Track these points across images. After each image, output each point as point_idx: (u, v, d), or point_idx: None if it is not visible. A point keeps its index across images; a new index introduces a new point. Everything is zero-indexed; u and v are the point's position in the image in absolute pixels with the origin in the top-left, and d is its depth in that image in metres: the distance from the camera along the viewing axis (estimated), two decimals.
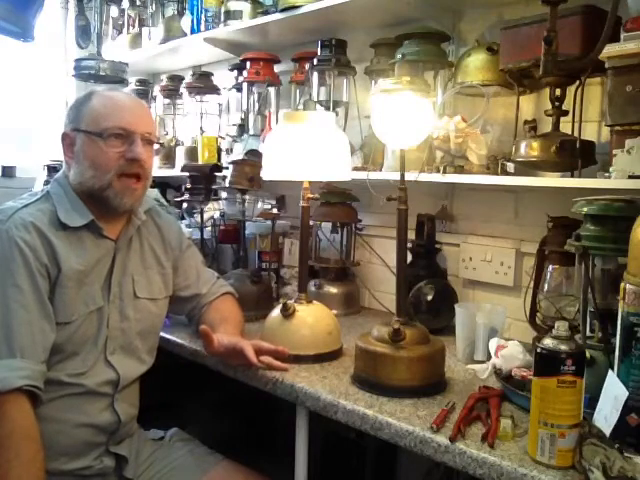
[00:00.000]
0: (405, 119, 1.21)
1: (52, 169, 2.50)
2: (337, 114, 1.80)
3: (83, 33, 2.66)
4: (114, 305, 1.28)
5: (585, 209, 1.13)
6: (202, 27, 2.22)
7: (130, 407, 1.32)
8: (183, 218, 2.17)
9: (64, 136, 1.27)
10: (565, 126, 1.41)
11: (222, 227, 2.13)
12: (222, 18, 2.13)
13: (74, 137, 1.25)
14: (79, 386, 1.21)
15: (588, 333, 1.13)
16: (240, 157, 2.01)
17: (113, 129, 1.22)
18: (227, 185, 1.83)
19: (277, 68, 2.18)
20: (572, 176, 1.37)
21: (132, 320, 1.30)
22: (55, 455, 1.17)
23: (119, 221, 1.31)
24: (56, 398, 1.18)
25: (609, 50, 1.17)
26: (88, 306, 1.23)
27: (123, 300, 1.30)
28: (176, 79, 2.56)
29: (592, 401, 0.97)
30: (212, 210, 2.12)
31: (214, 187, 2.03)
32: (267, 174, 1.43)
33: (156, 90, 2.64)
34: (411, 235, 1.67)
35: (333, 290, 1.86)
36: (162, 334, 1.46)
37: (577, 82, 1.38)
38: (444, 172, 1.53)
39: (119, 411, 1.26)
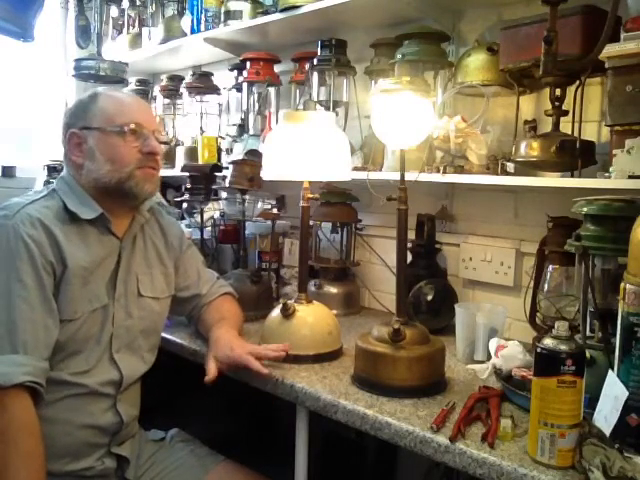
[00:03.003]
0: (405, 119, 1.21)
1: (52, 169, 2.50)
2: (337, 114, 1.80)
3: (83, 33, 2.66)
4: (119, 303, 1.28)
5: (585, 209, 1.13)
6: (202, 27, 2.22)
7: (132, 408, 1.32)
8: (183, 218, 2.17)
9: (71, 136, 1.26)
10: (565, 126, 1.41)
11: (222, 227, 2.13)
12: (222, 18, 2.13)
13: (84, 136, 1.25)
14: (82, 386, 1.21)
15: (588, 333, 1.13)
16: (240, 157, 2.01)
17: (129, 124, 1.24)
18: (227, 185, 1.83)
19: (277, 68, 2.18)
20: (572, 176, 1.37)
21: (136, 318, 1.31)
22: (58, 456, 1.17)
23: (126, 218, 1.32)
24: (60, 399, 1.18)
25: (609, 50, 1.17)
26: (92, 304, 1.23)
27: (128, 298, 1.30)
28: (176, 79, 2.56)
29: (592, 401, 0.97)
30: (212, 210, 2.12)
31: (214, 187, 2.03)
32: (267, 174, 1.43)
33: (156, 90, 2.64)
34: (411, 235, 1.66)
35: (333, 290, 1.86)
36: (162, 334, 1.46)
37: (577, 82, 1.38)
38: (444, 172, 1.53)
39: (121, 412, 1.26)
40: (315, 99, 1.93)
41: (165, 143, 1.26)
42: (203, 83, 2.40)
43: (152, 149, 1.26)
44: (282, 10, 1.88)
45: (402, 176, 1.26)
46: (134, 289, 1.31)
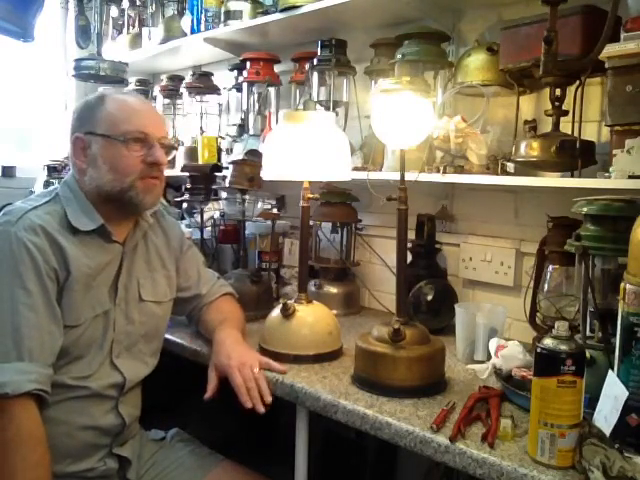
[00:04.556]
0: (405, 119, 1.21)
1: (52, 169, 2.51)
2: (337, 114, 1.80)
3: (83, 33, 2.66)
4: (120, 308, 1.27)
5: (585, 209, 1.13)
6: (202, 27, 2.22)
7: (133, 409, 1.32)
8: (183, 218, 2.17)
9: (76, 139, 1.24)
10: (565, 126, 1.41)
11: (222, 227, 2.13)
12: (222, 18, 2.13)
13: (88, 141, 1.23)
14: (84, 389, 1.20)
15: (588, 333, 1.13)
16: (240, 157, 2.01)
17: (134, 133, 1.22)
18: (227, 185, 1.83)
19: (277, 68, 2.18)
20: (572, 176, 1.37)
21: (137, 323, 1.30)
22: (59, 457, 1.17)
23: (127, 224, 1.31)
24: (61, 401, 1.18)
25: (609, 50, 1.17)
26: (95, 309, 1.22)
27: (129, 303, 1.29)
28: (176, 79, 2.56)
29: (592, 401, 0.97)
30: (212, 210, 2.12)
31: (214, 187, 2.03)
32: (267, 174, 1.43)
33: (156, 90, 2.64)
34: (411, 235, 1.66)
35: (333, 290, 1.86)
36: None
37: (577, 82, 1.38)
38: (444, 172, 1.53)
39: (123, 413, 1.26)
40: (315, 99, 1.93)
41: (173, 148, 1.23)
42: (203, 83, 2.40)
43: (156, 159, 1.23)
44: (282, 10, 1.88)
45: (402, 176, 1.26)
46: (135, 294, 1.31)
